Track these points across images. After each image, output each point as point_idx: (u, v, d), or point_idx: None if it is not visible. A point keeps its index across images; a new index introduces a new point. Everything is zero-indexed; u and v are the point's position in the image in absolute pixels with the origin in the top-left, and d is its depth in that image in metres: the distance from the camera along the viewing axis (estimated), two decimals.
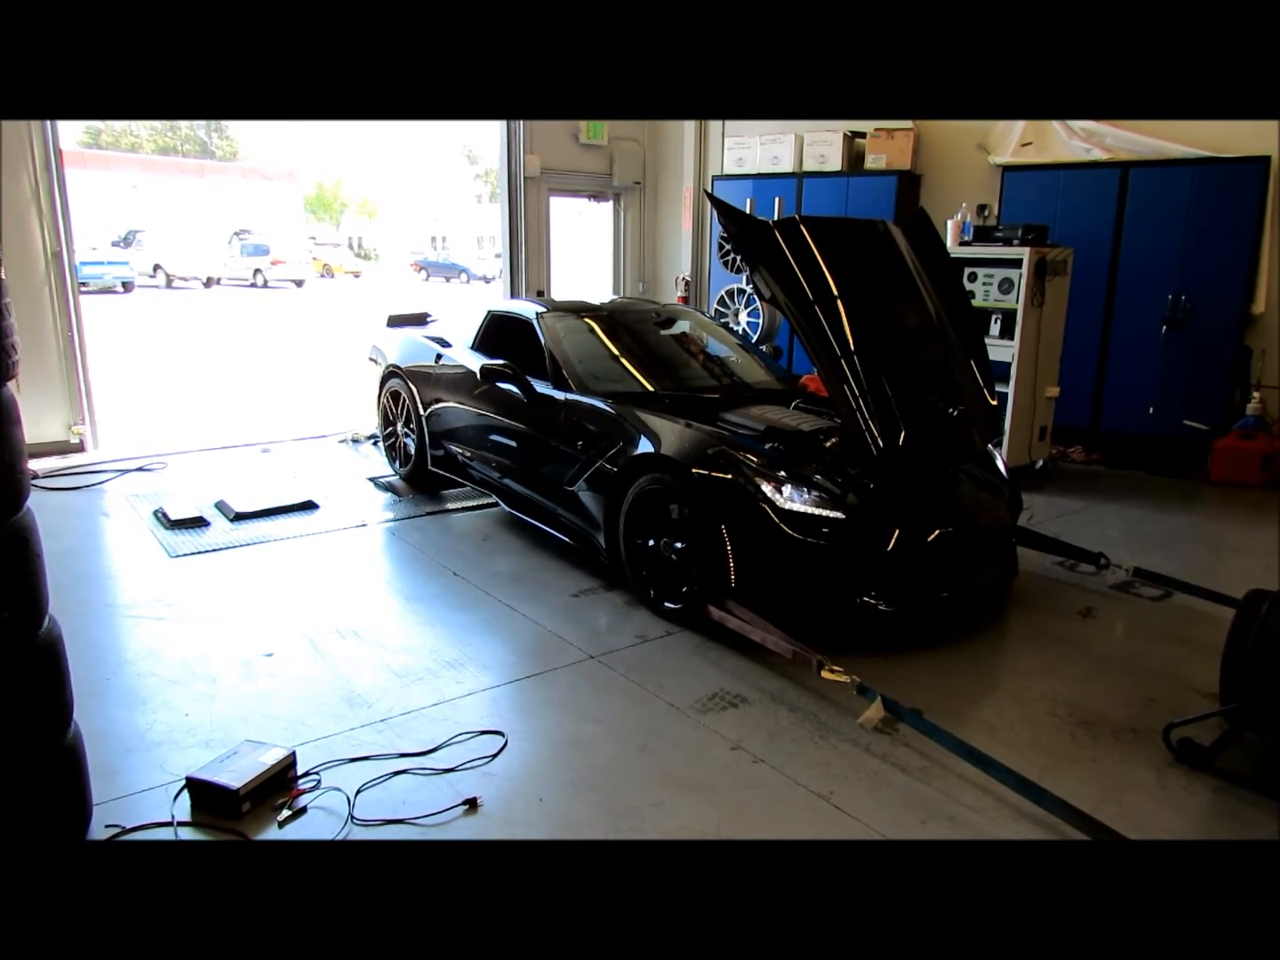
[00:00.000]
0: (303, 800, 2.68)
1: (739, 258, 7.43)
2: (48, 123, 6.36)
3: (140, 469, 6.43)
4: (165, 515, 5.24)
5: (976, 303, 6.31)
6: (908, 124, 7.89)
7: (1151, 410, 6.94)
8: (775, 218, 5.69)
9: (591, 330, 5.20)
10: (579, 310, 5.36)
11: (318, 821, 2.61)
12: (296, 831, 2.57)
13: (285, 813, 2.61)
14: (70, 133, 35.38)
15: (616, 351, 5.09)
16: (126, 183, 29.62)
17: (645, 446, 4.09)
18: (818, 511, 3.66)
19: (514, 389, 4.87)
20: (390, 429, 6.26)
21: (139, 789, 2.72)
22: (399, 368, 6.06)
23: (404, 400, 5.98)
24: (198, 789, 2.65)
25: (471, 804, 2.67)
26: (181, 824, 2.57)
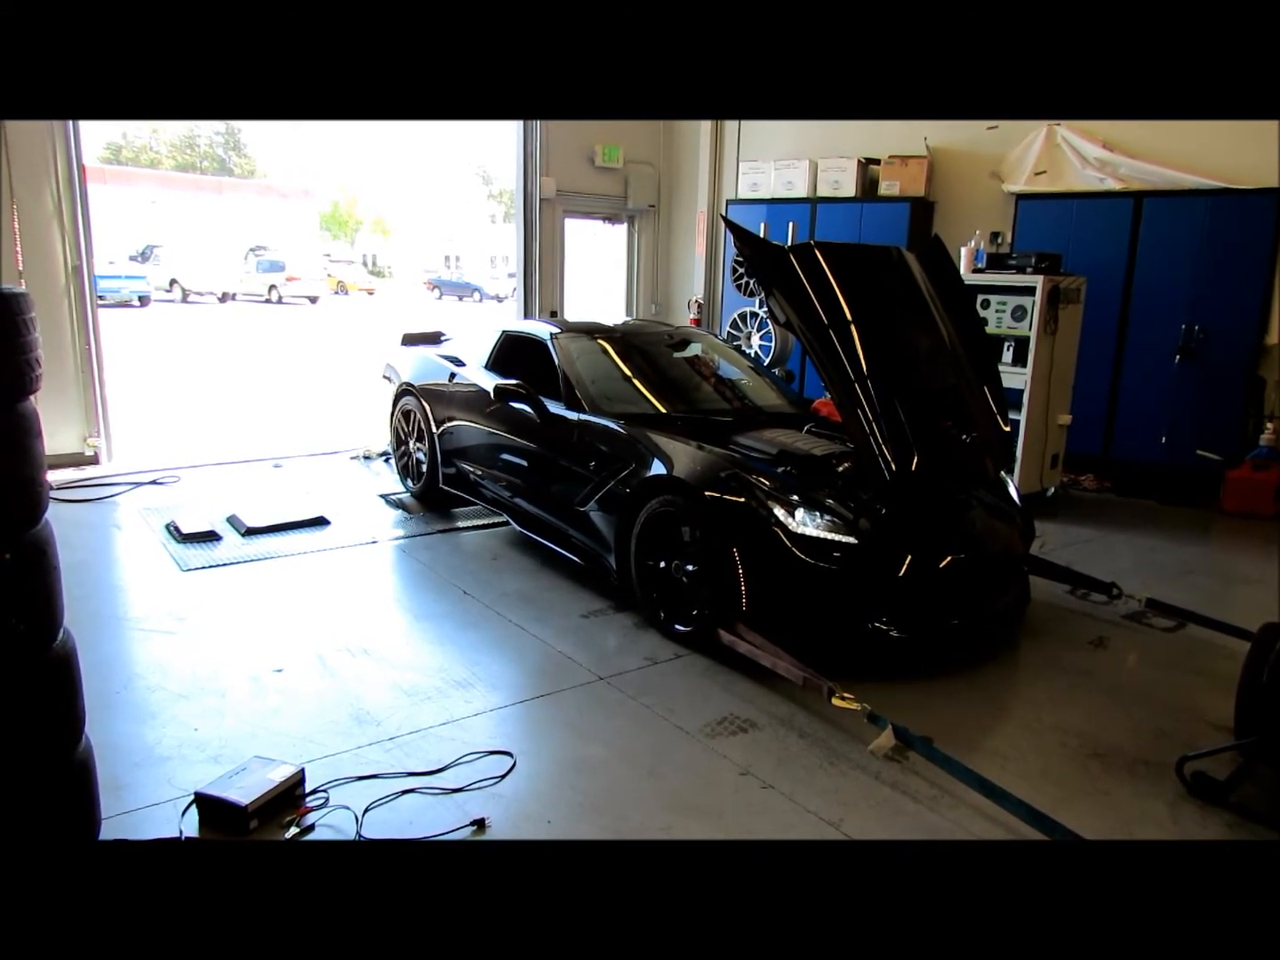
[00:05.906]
0: (310, 818, 2.67)
1: (753, 281, 7.46)
2: (71, 139, 6.45)
3: (153, 482, 6.47)
4: (177, 529, 5.26)
5: (989, 330, 6.31)
6: (921, 150, 7.94)
7: (1164, 439, 6.93)
8: (789, 243, 5.71)
9: (605, 351, 5.22)
10: (593, 331, 5.39)
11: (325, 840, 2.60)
12: None
13: (293, 830, 2.61)
14: (92, 149, 35.81)
15: (629, 373, 5.11)
16: (145, 198, 29.96)
17: (657, 468, 4.10)
18: (830, 536, 3.65)
19: (527, 409, 4.89)
20: (402, 446, 6.28)
21: (147, 804, 2.72)
22: (412, 386, 6.09)
23: (416, 418, 6.01)
24: (206, 805, 2.65)
25: (479, 824, 2.66)
26: (189, 840, 2.56)
